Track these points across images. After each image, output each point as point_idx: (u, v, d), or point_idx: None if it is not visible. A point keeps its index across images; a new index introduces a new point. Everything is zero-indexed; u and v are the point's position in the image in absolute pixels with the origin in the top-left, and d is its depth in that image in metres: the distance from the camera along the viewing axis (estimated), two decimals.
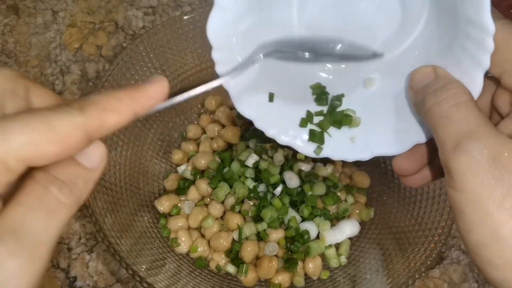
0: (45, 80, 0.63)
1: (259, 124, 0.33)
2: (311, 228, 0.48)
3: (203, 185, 0.50)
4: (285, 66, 0.34)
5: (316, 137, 0.34)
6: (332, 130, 0.34)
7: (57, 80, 0.63)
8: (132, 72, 0.50)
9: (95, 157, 0.23)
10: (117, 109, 0.22)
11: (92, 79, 0.64)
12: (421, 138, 0.30)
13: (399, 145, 0.32)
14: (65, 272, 0.50)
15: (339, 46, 0.34)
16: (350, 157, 0.34)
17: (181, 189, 0.51)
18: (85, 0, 0.71)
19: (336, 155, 0.34)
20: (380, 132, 0.33)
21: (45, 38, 0.67)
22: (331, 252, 0.47)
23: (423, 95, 0.27)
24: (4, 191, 0.19)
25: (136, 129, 0.52)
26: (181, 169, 0.54)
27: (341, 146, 0.34)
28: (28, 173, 0.20)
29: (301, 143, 0.34)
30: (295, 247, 0.47)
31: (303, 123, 0.34)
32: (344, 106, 0.34)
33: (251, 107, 0.33)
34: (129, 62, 0.50)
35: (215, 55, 0.31)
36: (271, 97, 0.34)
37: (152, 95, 0.24)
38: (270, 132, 0.33)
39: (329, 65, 0.35)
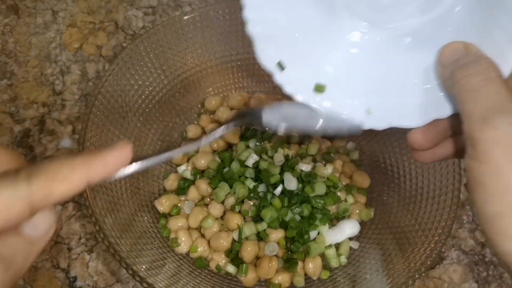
0: (45, 80, 0.63)
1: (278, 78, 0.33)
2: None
3: (203, 185, 0.50)
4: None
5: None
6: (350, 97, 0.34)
7: (57, 80, 0.63)
8: (132, 72, 0.50)
9: (41, 227, 0.21)
10: (68, 178, 0.21)
11: (92, 79, 0.64)
12: (442, 113, 0.30)
13: (418, 118, 0.32)
14: (65, 272, 0.50)
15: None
16: (366, 124, 0.34)
17: (181, 189, 0.51)
18: (85, 0, 0.71)
19: (351, 118, 0.34)
20: (400, 103, 0.33)
21: (45, 38, 0.67)
22: (331, 252, 0.47)
23: (452, 68, 0.27)
24: None
25: (136, 129, 0.52)
26: (181, 169, 0.54)
27: (358, 113, 0.34)
28: None
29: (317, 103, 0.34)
30: (295, 247, 0.47)
31: (318, 88, 0.34)
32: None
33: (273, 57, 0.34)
34: (129, 62, 0.50)
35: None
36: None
37: (110, 162, 0.23)
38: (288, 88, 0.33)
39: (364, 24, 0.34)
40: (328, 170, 0.51)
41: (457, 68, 0.27)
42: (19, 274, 0.20)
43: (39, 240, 0.21)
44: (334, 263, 0.47)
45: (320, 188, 0.49)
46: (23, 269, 0.21)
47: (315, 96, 0.34)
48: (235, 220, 0.48)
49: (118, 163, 0.24)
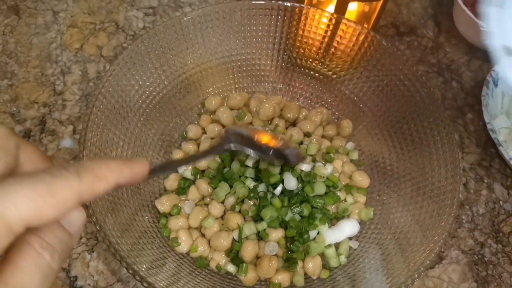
0: (46, 81, 0.63)
1: None
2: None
3: (203, 185, 0.50)
4: None
5: None
6: None
7: (57, 80, 0.63)
8: (132, 72, 0.51)
9: (77, 223, 0.23)
10: (106, 177, 0.24)
11: (93, 80, 0.64)
12: None
13: None
14: (65, 271, 0.50)
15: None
16: None
17: (182, 189, 0.52)
18: (85, 0, 0.72)
19: None
20: None
21: (45, 38, 0.67)
22: (331, 252, 0.48)
23: None
24: None
25: (136, 129, 0.52)
26: (181, 169, 0.54)
27: None
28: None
29: None
30: (295, 247, 0.47)
31: None
32: None
33: None
34: (130, 63, 0.50)
35: None
36: None
37: (136, 171, 0.26)
38: None
39: None
40: (328, 170, 0.51)
41: None
42: (62, 264, 0.23)
43: (74, 235, 0.23)
44: (333, 262, 0.48)
45: (319, 188, 0.49)
46: (65, 259, 0.23)
47: None
48: (235, 220, 0.48)
49: (140, 173, 0.27)
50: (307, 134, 0.55)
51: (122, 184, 0.25)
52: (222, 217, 0.50)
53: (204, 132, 0.57)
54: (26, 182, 0.20)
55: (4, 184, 0.19)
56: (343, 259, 0.48)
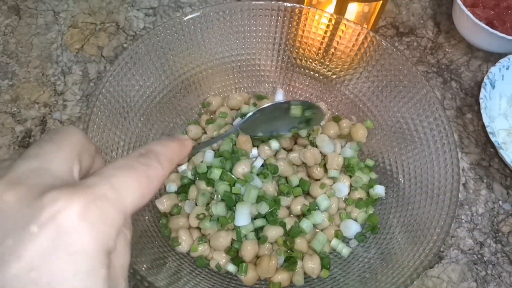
0: (47, 81, 0.63)
1: None
2: (306, 225, 0.48)
3: (203, 185, 0.50)
4: None
5: None
6: None
7: (58, 80, 0.64)
8: (133, 72, 0.51)
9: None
10: (174, 161, 0.26)
11: (93, 80, 0.64)
12: None
13: None
14: None
15: None
16: None
17: (182, 189, 0.52)
18: (86, 1, 0.72)
19: None
20: None
21: (46, 38, 0.68)
22: (321, 238, 0.48)
23: None
24: None
25: (137, 129, 0.52)
26: (181, 168, 0.54)
27: None
28: None
29: None
30: (293, 233, 0.48)
31: None
32: None
33: None
34: (130, 63, 0.50)
35: None
36: None
37: (187, 148, 0.28)
38: None
39: None
40: (343, 190, 0.52)
41: None
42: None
43: None
44: (323, 247, 0.48)
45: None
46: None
47: None
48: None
49: (188, 149, 0.29)
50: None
51: (179, 163, 0.28)
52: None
53: (205, 132, 0.57)
54: (131, 174, 0.22)
55: (114, 176, 0.21)
56: (345, 251, 0.48)
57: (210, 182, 0.50)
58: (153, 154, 0.24)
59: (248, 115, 0.47)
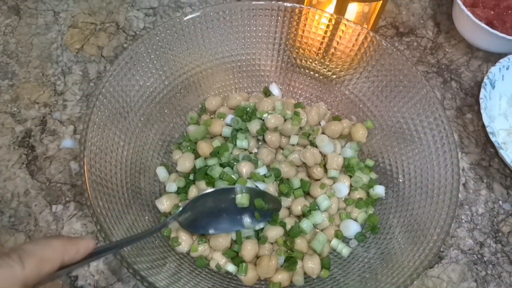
0: (47, 81, 0.63)
1: None
2: (307, 225, 0.49)
3: (203, 185, 0.50)
4: None
5: None
6: None
7: (58, 80, 0.64)
8: (133, 72, 0.51)
9: None
10: (51, 259, 0.24)
11: (93, 80, 0.64)
12: None
13: None
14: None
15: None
16: None
17: (182, 189, 0.52)
18: (86, 1, 0.72)
19: None
20: None
21: (46, 38, 0.68)
22: (321, 238, 0.48)
23: None
24: None
25: (137, 129, 0.52)
26: (181, 167, 0.54)
27: None
28: None
29: None
30: (293, 234, 0.48)
31: None
32: None
33: None
34: (130, 63, 0.50)
35: None
36: None
37: (80, 248, 0.27)
38: None
39: None
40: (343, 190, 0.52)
41: None
42: None
43: None
44: (323, 247, 0.48)
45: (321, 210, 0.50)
46: None
47: None
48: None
49: (85, 250, 0.27)
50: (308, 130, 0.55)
51: (67, 263, 0.26)
52: None
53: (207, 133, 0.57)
54: None
55: None
56: (345, 251, 0.48)
57: (210, 182, 0.50)
58: (16, 253, 0.23)
59: (184, 205, 0.43)
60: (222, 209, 0.46)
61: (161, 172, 0.53)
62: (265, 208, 0.46)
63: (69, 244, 0.26)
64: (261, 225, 0.47)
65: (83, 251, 0.27)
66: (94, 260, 0.33)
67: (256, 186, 0.49)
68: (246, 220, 0.46)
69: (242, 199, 0.46)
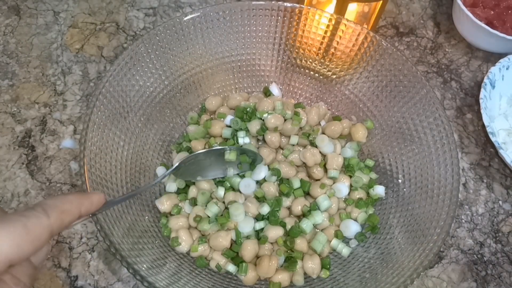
0: (47, 81, 0.63)
1: None
2: (307, 225, 0.48)
3: (203, 185, 0.50)
4: None
5: None
6: None
7: (58, 80, 0.64)
8: (133, 72, 0.51)
9: (41, 255, 0.27)
10: (71, 211, 0.27)
11: (93, 80, 0.64)
12: None
13: None
14: (66, 271, 0.50)
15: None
16: None
17: (182, 189, 0.52)
18: (86, 1, 0.72)
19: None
20: None
21: (46, 38, 0.68)
22: (321, 238, 0.48)
23: None
24: None
25: (137, 129, 0.52)
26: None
27: None
28: None
29: None
30: (293, 234, 0.48)
31: None
32: None
33: None
34: (130, 63, 0.50)
35: None
36: None
37: (94, 201, 0.31)
38: None
39: None
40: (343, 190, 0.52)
41: None
42: None
43: (39, 267, 0.27)
44: (322, 248, 0.48)
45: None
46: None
47: None
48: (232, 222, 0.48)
49: (98, 203, 0.31)
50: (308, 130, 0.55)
51: (83, 215, 0.29)
52: (222, 214, 0.50)
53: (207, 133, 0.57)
54: (5, 225, 0.23)
55: None
56: (345, 251, 0.48)
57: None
58: (40, 207, 0.25)
59: (179, 162, 0.47)
60: (211, 162, 0.50)
61: (161, 172, 0.53)
62: (248, 162, 0.51)
63: (83, 198, 0.29)
64: (242, 173, 0.51)
65: (97, 203, 0.31)
66: (107, 209, 0.40)
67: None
68: (230, 170, 0.51)
69: (230, 155, 0.50)
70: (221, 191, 0.50)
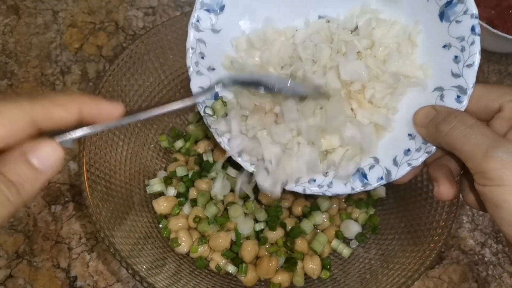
0: (46, 80, 0.63)
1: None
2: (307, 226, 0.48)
3: (203, 185, 0.50)
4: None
5: None
6: None
7: (57, 80, 0.63)
8: (132, 72, 0.51)
9: (49, 159, 0.23)
10: (66, 105, 0.24)
11: (93, 79, 0.64)
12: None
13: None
14: (65, 271, 0.50)
15: (289, 82, 0.37)
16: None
17: (182, 194, 0.51)
18: (85, 0, 0.72)
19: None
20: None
21: (45, 38, 0.67)
22: (321, 239, 0.48)
23: (434, 125, 0.33)
24: None
25: (136, 129, 0.52)
26: (180, 171, 0.54)
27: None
28: None
29: None
30: (293, 234, 0.48)
31: None
32: None
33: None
34: (130, 62, 0.50)
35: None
36: None
37: (103, 108, 0.26)
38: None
39: None
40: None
41: (439, 124, 0.32)
42: (27, 199, 0.23)
43: (45, 171, 0.23)
44: (322, 248, 0.48)
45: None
46: (31, 195, 0.23)
47: None
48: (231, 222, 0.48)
49: (109, 112, 0.26)
50: None
51: (86, 117, 0.25)
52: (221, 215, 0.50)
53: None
54: None
55: None
56: (346, 251, 0.48)
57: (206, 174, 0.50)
58: (27, 96, 0.23)
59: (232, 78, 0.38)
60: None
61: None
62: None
63: (90, 100, 0.25)
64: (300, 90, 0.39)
65: (106, 112, 0.26)
66: (118, 125, 0.28)
67: None
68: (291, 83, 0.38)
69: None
70: (217, 190, 0.49)
